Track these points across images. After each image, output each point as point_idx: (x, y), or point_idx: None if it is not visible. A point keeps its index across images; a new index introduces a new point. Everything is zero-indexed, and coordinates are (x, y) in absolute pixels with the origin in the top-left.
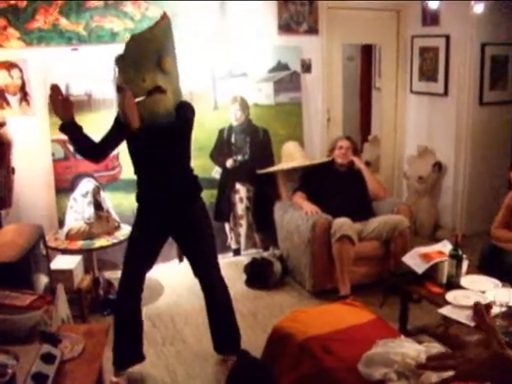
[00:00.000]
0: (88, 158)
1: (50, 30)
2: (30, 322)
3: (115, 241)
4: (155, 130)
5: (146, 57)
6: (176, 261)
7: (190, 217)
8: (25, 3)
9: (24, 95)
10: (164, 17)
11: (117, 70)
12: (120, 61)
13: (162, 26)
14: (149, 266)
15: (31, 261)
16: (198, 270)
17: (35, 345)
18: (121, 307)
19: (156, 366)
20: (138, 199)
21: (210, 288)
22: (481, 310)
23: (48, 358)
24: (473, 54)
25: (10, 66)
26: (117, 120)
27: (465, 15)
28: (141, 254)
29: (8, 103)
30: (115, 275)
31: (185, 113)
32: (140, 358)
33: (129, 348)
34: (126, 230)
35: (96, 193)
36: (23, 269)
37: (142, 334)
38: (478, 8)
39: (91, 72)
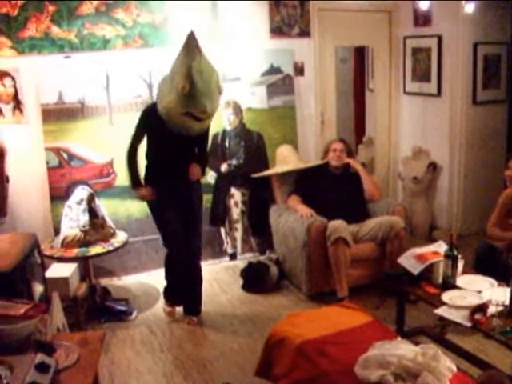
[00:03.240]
0: None
1: (41, 38)
2: (24, 331)
3: (111, 248)
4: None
5: (215, 87)
6: None
7: (195, 193)
8: (16, 12)
9: (17, 104)
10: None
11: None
12: (195, 90)
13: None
14: (179, 229)
15: (25, 270)
16: (191, 236)
17: (30, 354)
18: (172, 267)
19: (153, 372)
20: (153, 180)
21: (194, 254)
22: None
23: (42, 368)
24: (465, 54)
25: (2, 74)
26: (146, 123)
27: (456, 15)
28: (171, 220)
29: (1, 112)
30: (111, 282)
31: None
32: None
33: (177, 294)
34: (121, 237)
35: (91, 200)
36: (17, 278)
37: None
38: (469, 7)
39: (84, 79)
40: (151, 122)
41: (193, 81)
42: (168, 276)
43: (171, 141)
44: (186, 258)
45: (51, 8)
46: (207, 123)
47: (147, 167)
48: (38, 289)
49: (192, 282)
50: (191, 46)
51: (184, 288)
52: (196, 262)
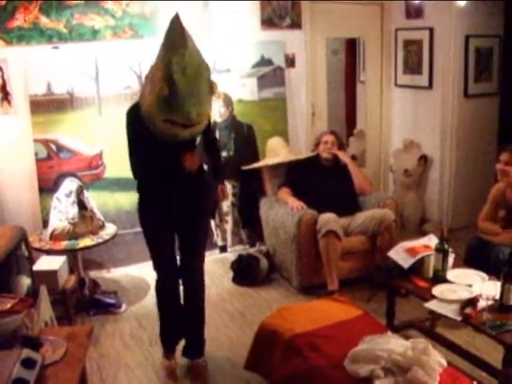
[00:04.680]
0: None
1: (30, 28)
2: (10, 326)
3: (100, 240)
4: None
5: (205, 86)
6: None
7: (199, 208)
8: (4, 2)
9: (5, 95)
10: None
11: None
12: (176, 93)
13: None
14: (174, 254)
15: (12, 263)
16: (188, 261)
17: (16, 350)
18: (162, 299)
19: (142, 366)
20: (150, 195)
21: (194, 283)
22: None
23: (28, 363)
24: (457, 47)
25: None
26: (135, 127)
27: (448, 7)
28: (164, 245)
29: None
30: (101, 275)
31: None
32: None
33: (173, 333)
34: (110, 230)
35: (79, 192)
36: (3, 272)
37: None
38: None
39: (73, 70)
40: (133, 123)
41: (173, 81)
42: (161, 311)
43: (160, 146)
44: (185, 286)
45: None
46: (198, 129)
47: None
48: (26, 282)
49: (191, 318)
50: (174, 35)
51: (183, 323)
52: (197, 292)
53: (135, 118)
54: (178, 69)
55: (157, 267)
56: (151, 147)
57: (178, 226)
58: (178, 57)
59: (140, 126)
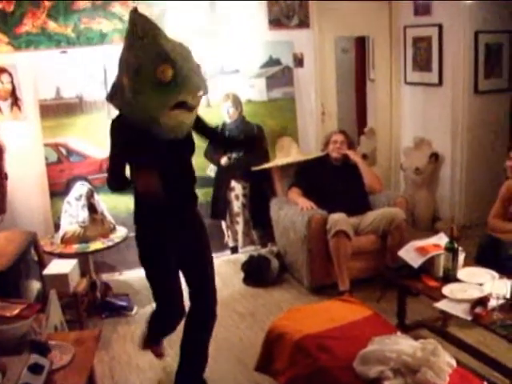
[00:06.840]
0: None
1: (38, 33)
2: (18, 331)
3: (110, 243)
4: (181, 141)
5: (193, 61)
6: None
7: (197, 224)
8: (12, 7)
9: (15, 100)
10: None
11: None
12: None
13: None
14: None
15: (21, 268)
16: (197, 282)
17: (24, 355)
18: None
19: (154, 367)
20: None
21: (205, 305)
22: None
23: (36, 369)
24: (466, 43)
25: None
26: (123, 141)
27: (457, 3)
28: (172, 270)
29: None
30: (112, 277)
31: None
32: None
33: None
34: (121, 232)
35: (90, 196)
36: (13, 277)
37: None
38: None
39: (82, 74)
40: (126, 137)
41: (172, 61)
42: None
43: (161, 153)
44: (191, 325)
45: (47, 3)
46: (195, 112)
47: (137, 203)
48: (35, 286)
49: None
50: (147, 23)
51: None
52: (205, 335)
53: (126, 129)
54: (169, 49)
55: (165, 300)
56: (151, 156)
57: (184, 257)
58: (161, 36)
59: (134, 137)
